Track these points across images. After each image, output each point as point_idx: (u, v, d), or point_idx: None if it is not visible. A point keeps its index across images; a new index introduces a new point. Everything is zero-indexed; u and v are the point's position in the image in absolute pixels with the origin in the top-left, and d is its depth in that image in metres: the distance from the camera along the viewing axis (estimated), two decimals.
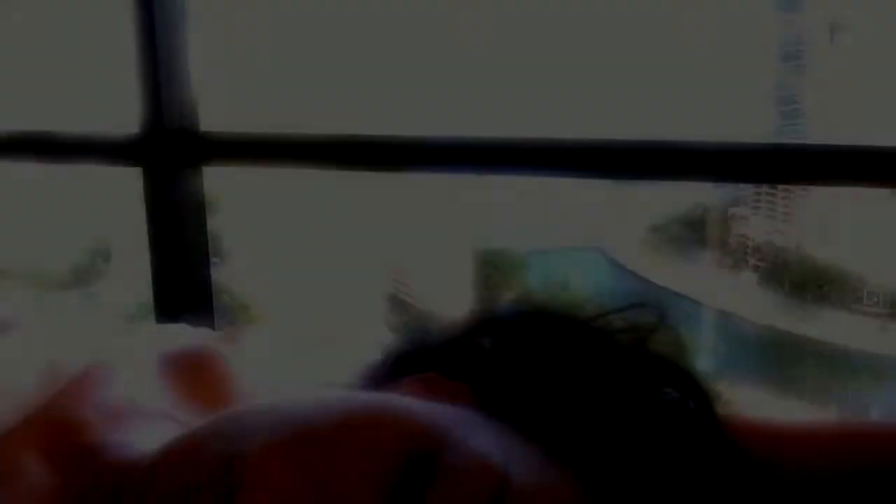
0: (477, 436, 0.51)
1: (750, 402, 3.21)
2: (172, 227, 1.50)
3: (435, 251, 3.48)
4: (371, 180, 3.15)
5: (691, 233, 3.58)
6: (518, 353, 0.60)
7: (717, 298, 3.47)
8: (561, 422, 0.55)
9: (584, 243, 3.67)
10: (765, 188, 3.27)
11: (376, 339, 3.17)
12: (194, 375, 0.68)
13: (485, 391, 0.58)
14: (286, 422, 0.52)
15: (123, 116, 1.58)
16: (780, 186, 3.23)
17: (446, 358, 0.62)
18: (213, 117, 1.56)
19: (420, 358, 0.63)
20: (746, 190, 3.38)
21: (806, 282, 3.33)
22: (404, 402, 0.54)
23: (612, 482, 0.52)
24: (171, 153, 1.50)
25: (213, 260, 1.63)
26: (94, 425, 0.61)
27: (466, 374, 0.61)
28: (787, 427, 0.66)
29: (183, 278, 1.52)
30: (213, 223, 1.63)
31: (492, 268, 3.50)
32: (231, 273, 3.22)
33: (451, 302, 3.41)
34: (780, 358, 3.42)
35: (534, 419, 0.55)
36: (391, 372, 0.63)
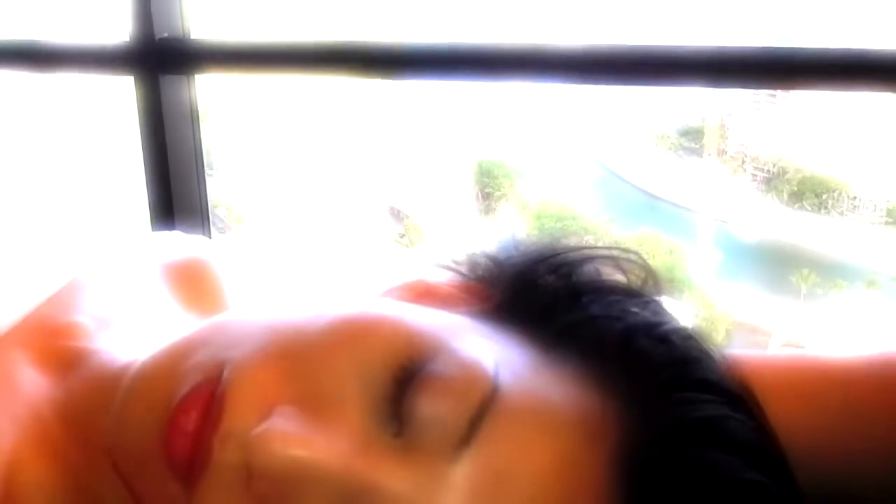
0: (469, 343, 0.51)
1: (747, 307, 3.24)
2: (165, 136, 1.49)
3: (433, 161, 3.47)
4: (370, 90, 3.12)
5: (690, 142, 3.57)
6: (536, 262, 0.59)
7: (714, 207, 3.48)
8: (569, 327, 0.54)
9: (581, 153, 3.66)
10: (763, 96, 3.25)
11: (373, 247, 3.18)
12: (188, 283, 0.68)
13: (498, 295, 0.57)
14: (276, 329, 0.52)
15: (114, 25, 1.56)
16: (780, 95, 3.20)
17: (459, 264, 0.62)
18: (205, 25, 1.54)
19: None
20: (745, 98, 3.35)
21: (803, 190, 3.33)
22: (396, 310, 0.53)
23: (618, 387, 0.52)
24: (161, 61, 1.48)
25: (209, 171, 1.63)
26: (86, 330, 0.61)
27: (480, 278, 0.60)
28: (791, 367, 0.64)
29: (177, 187, 1.51)
30: (210, 136, 1.62)
31: (489, 177, 3.50)
32: (226, 184, 3.22)
33: (448, 212, 3.42)
34: (777, 265, 3.44)
35: (543, 325, 0.54)
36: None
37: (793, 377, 0.63)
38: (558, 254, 0.59)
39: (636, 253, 0.60)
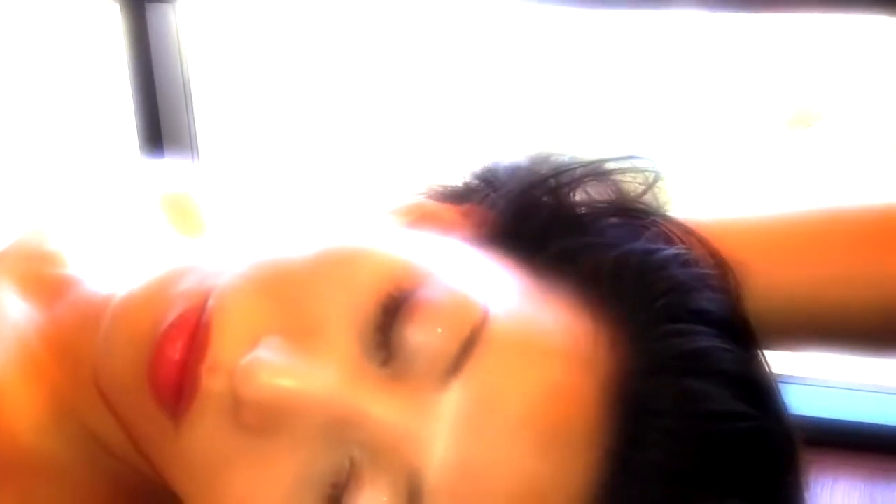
0: (460, 269, 0.50)
1: None
2: (152, 64, 1.47)
3: (428, 93, 3.43)
4: (367, 24, 3.07)
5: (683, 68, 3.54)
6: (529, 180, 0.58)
7: (708, 134, 3.46)
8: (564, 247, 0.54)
9: (576, 86, 3.63)
10: (758, 21, 3.22)
11: (364, 172, 3.16)
12: (177, 211, 0.67)
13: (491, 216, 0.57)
14: (263, 257, 0.51)
15: None
16: (774, 20, 3.16)
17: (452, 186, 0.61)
18: None
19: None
20: (738, 24, 3.32)
21: (799, 118, 3.32)
22: (385, 236, 0.53)
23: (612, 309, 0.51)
24: None
25: (196, 99, 1.61)
26: (72, 258, 0.60)
27: (474, 196, 0.59)
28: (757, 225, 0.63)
29: (165, 115, 1.50)
30: (199, 64, 1.60)
31: (483, 108, 3.47)
32: (213, 111, 3.18)
33: (444, 146, 3.40)
34: (771, 189, 3.44)
35: (537, 246, 0.54)
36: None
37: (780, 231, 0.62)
38: (554, 174, 0.58)
39: (642, 158, 0.59)
